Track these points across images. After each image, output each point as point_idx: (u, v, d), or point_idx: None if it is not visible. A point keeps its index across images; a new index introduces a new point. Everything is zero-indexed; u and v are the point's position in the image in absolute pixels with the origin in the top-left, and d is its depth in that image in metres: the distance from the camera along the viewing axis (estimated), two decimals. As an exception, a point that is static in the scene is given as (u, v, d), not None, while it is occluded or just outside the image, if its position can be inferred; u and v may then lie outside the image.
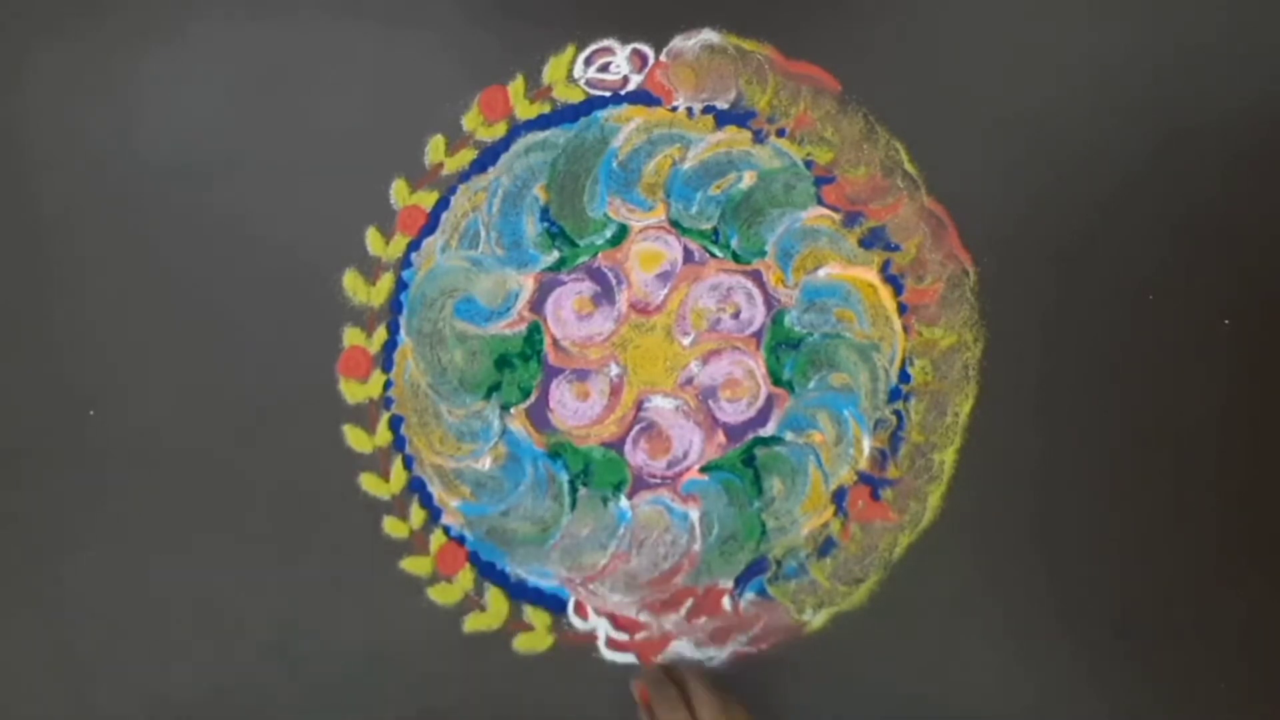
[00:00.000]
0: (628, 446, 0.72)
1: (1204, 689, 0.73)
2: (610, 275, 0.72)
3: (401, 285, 0.72)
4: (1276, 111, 0.73)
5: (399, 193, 0.72)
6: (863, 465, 0.72)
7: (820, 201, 0.72)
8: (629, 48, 0.73)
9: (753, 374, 0.72)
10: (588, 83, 0.73)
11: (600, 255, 0.72)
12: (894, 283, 0.72)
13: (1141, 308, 0.73)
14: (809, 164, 0.72)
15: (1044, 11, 0.73)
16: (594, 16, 0.72)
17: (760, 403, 0.72)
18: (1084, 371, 0.73)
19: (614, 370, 0.72)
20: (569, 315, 0.72)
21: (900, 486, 0.72)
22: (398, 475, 0.71)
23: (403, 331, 0.72)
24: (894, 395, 0.73)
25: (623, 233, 0.72)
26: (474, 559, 0.72)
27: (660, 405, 0.72)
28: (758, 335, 0.72)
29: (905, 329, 0.73)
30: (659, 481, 0.72)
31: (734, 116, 0.72)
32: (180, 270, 0.72)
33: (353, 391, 0.72)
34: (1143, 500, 0.73)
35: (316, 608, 0.71)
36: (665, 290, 0.72)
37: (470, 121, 0.72)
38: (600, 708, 0.72)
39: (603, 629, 0.71)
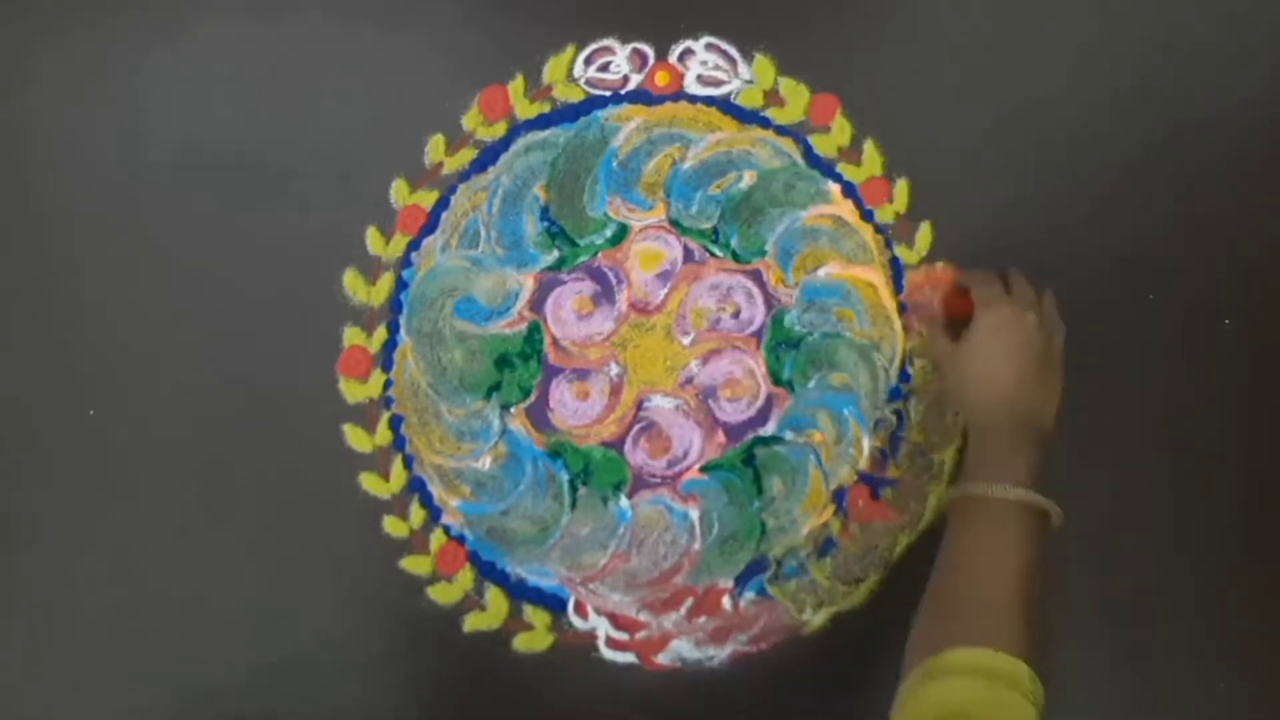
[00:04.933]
0: (628, 446, 0.72)
1: (1204, 689, 0.73)
2: (610, 275, 0.72)
3: (401, 285, 0.72)
4: (1276, 111, 0.73)
5: (399, 192, 0.72)
6: (863, 465, 0.72)
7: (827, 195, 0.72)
8: (629, 47, 0.73)
9: (753, 373, 0.72)
10: (588, 82, 0.73)
11: (600, 255, 0.72)
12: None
13: (1141, 308, 0.73)
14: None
15: (1041, 13, 0.73)
16: (594, 16, 0.72)
17: (760, 402, 0.72)
18: (1084, 371, 0.73)
19: (614, 370, 0.72)
20: (569, 315, 0.72)
21: (900, 486, 0.72)
22: (398, 475, 0.71)
23: (403, 331, 0.72)
24: (894, 395, 0.73)
25: (623, 232, 0.72)
26: (474, 558, 0.71)
27: (660, 405, 0.72)
28: (758, 335, 0.72)
29: (905, 329, 0.73)
30: (659, 481, 0.72)
31: (736, 108, 0.73)
32: (180, 270, 0.72)
33: (353, 391, 0.72)
34: (1142, 499, 0.73)
35: (316, 607, 0.71)
36: (665, 290, 0.72)
37: (470, 121, 0.72)
38: (600, 708, 0.72)
39: (603, 628, 0.71)
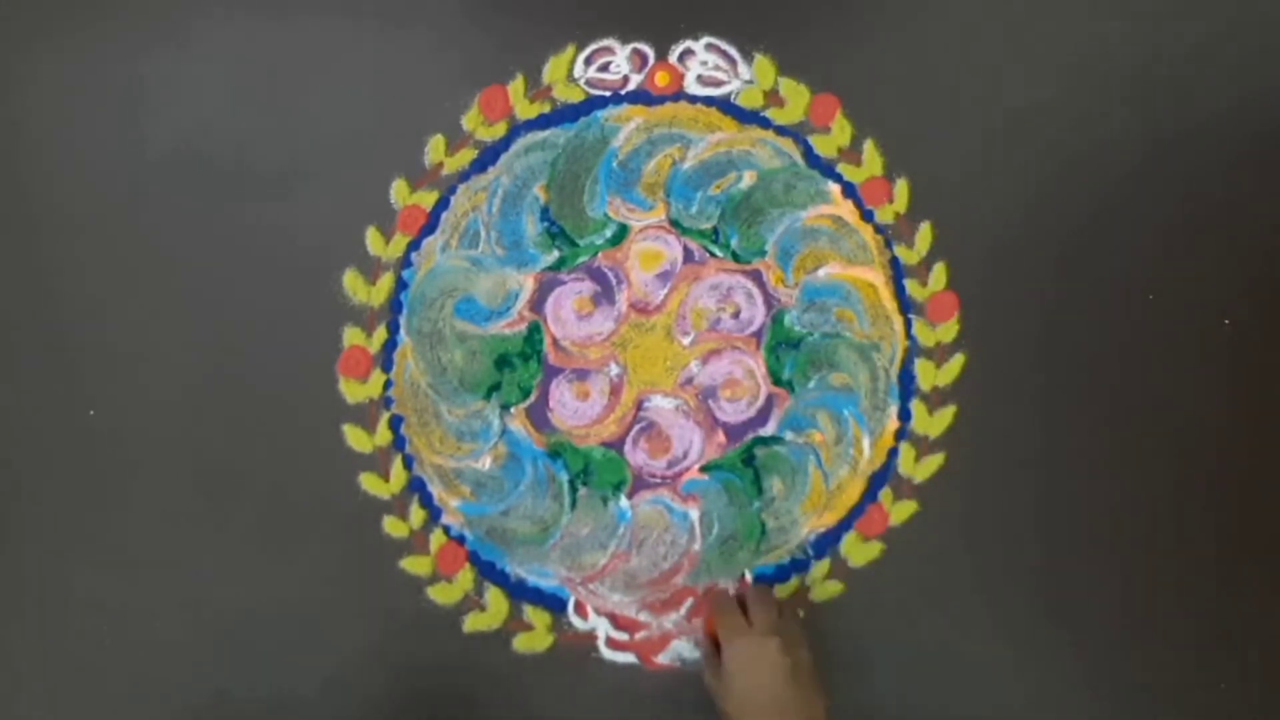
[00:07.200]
0: (628, 446, 0.72)
1: (1204, 689, 0.73)
2: (610, 275, 0.72)
3: (401, 285, 0.72)
4: (1277, 111, 0.73)
5: (399, 193, 0.72)
6: (862, 465, 0.72)
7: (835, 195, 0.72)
8: (629, 47, 0.73)
9: (753, 374, 0.72)
10: (588, 82, 0.73)
11: (600, 255, 0.72)
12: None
13: (1141, 308, 0.73)
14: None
15: (1041, 13, 0.73)
16: (594, 16, 0.72)
17: (760, 402, 0.72)
18: (1084, 372, 0.73)
19: (614, 370, 0.72)
20: (569, 315, 0.72)
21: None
22: (398, 475, 0.71)
23: (403, 331, 0.72)
24: (894, 395, 0.73)
25: (623, 232, 0.72)
26: (474, 559, 0.72)
27: (660, 405, 0.72)
28: (758, 335, 0.72)
29: (905, 329, 0.73)
30: (659, 481, 0.72)
31: (736, 108, 0.73)
32: (180, 270, 0.72)
33: (353, 391, 0.72)
34: (1142, 501, 0.73)
35: (316, 607, 0.71)
36: (665, 290, 0.72)
37: (470, 121, 0.72)
38: (600, 708, 0.72)
39: (603, 629, 0.71)
